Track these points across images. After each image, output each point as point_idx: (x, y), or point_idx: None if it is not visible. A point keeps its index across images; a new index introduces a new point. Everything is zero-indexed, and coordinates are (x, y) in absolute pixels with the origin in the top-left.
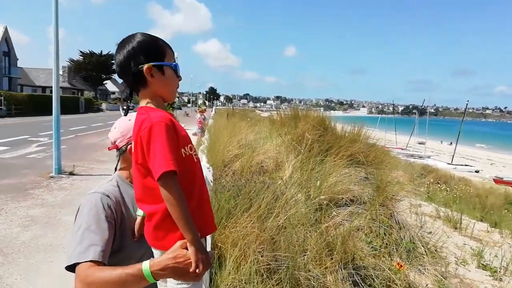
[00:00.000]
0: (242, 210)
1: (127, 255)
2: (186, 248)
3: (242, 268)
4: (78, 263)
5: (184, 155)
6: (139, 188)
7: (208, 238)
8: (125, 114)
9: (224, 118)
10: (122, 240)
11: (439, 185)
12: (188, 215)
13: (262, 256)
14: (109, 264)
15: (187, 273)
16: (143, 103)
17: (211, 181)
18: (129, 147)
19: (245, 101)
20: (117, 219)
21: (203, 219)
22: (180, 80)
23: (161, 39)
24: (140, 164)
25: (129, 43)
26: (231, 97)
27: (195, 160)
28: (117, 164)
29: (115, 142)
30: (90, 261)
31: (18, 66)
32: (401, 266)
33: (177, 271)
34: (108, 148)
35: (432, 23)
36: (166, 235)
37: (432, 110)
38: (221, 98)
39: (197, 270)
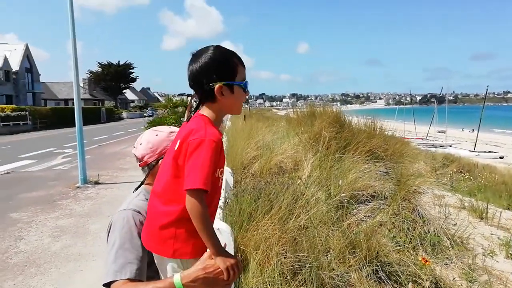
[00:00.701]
0: (263, 213)
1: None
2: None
3: (266, 271)
4: (114, 281)
5: (214, 176)
6: (164, 182)
7: (232, 242)
8: (187, 121)
9: (241, 120)
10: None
11: (462, 174)
12: (212, 229)
13: (285, 258)
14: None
15: (217, 282)
16: (204, 111)
17: (232, 185)
18: (160, 162)
19: (261, 100)
20: None
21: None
22: (247, 95)
23: (235, 55)
24: (177, 163)
25: (203, 57)
26: (247, 97)
27: (220, 184)
28: (144, 179)
29: (143, 158)
30: (127, 279)
31: (40, 81)
32: (426, 261)
33: (208, 282)
34: (139, 165)
35: (447, 7)
36: (167, 240)
37: (451, 98)
38: None
39: (230, 277)
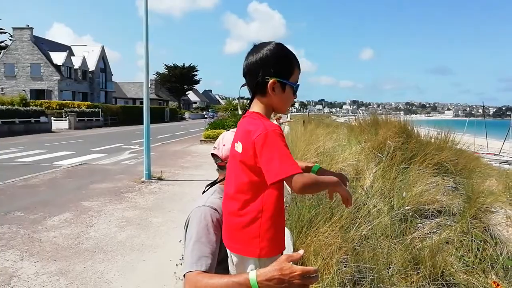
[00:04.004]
0: (323, 220)
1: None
2: (291, 262)
3: (326, 278)
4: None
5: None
6: (237, 185)
7: (291, 245)
8: (242, 114)
9: (300, 125)
10: (226, 252)
11: None
12: (324, 179)
13: (345, 267)
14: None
15: (291, 286)
16: (254, 108)
17: (291, 190)
18: None
19: (320, 106)
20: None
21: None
22: (295, 98)
23: (294, 57)
24: (246, 164)
25: (265, 50)
26: (306, 103)
27: None
28: (222, 179)
29: (227, 158)
30: (201, 271)
31: (112, 81)
32: (498, 285)
33: (282, 283)
34: (219, 164)
35: None
36: (251, 240)
37: None
38: (296, 105)
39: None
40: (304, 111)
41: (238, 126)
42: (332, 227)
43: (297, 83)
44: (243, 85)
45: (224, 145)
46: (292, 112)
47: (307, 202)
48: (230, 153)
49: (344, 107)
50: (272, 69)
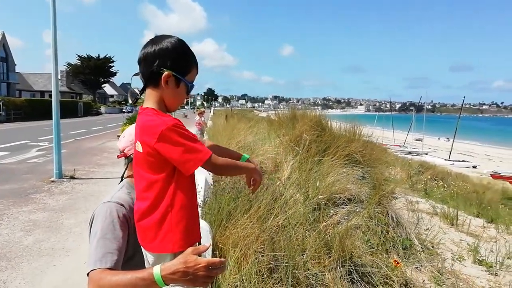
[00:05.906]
0: (242, 212)
1: (139, 261)
2: (197, 254)
3: (243, 268)
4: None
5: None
6: (143, 185)
7: (210, 239)
8: (134, 103)
9: (222, 119)
10: (135, 247)
11: (436, 182)
12: (236, 163)
13: (262, 256)
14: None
15: (196, 278)
16: (147, 103)
17: (211, 184)
18: None
19: (243, 101)
20: (130, 227)
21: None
22: (188, 97)
23: (194, 57)
24: (149, 161)
25: (165, 42)
26: (229, 97)
27: None
28: (124, 172)
29: (123, 150)
30: (106, 268)
31: (16, 71)
32: (398, 263)
33: (187, 275)
34: (117, 156)
35: (430, 19)
36: (164, 236)
37: (429, 107)
38: (219, 99)
39: (212, 273)
40: (227, 105)
41: (136, 125)
42: (250, 218)
43: (192, 83)
44: (135, 74)
45: (123, 137)
46: (215, 107)
47: (227, 195)
48: (134, 153)
49: (266, 102)
50: (169, 61)
